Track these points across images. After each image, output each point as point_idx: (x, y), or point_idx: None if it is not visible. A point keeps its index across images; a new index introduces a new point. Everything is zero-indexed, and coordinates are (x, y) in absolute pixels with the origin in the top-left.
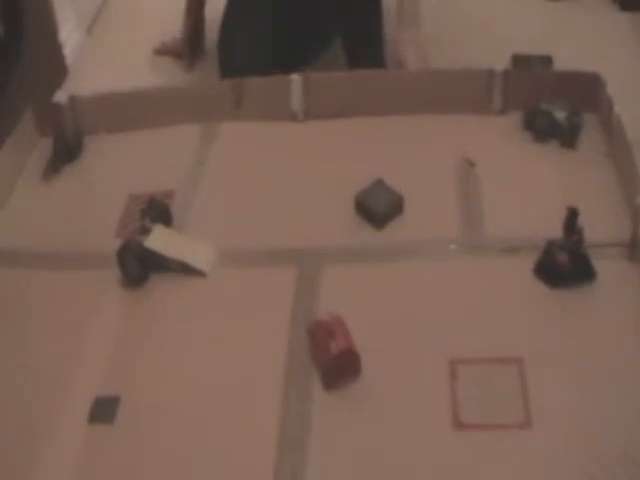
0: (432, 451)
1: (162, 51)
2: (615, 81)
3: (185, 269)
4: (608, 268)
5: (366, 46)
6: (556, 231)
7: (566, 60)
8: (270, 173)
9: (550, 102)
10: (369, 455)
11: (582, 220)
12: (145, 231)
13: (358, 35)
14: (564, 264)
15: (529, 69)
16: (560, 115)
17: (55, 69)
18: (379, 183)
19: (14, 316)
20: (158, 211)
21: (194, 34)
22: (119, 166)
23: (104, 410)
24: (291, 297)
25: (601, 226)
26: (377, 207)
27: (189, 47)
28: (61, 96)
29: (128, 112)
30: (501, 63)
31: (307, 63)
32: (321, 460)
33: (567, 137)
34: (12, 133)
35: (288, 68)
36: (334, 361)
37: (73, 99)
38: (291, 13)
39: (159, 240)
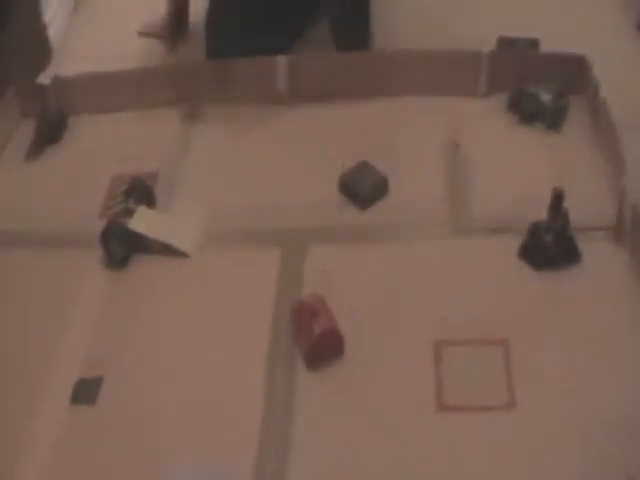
0: (415, 433)
1: (146, 32)
2: (602, 64)
3: (168, 250)
4: (593, 250)
5: (352, 26)
6: (541, 213)
7: (553, 44)
8: (254, 154)
9: (536, 84)
10: (352, 436)
11: (567, 202)
12: (128, 212)
13: (345, 15)
14: (549, 246)
15: (515, 51)
16: (546, 97)
17: (39, 50)
18: (364, 164)
19: None
20: (141, 192)
21: (177, 15)
22: (103, 147)
23: (86, 391)
24: (275, 278)
25: (586, 208)
26: (362, 188)
27: (172, 28)
28: (45, 77)
29: (112, 93)
30: (487, 46)
31: (293, 43)
32: (304, 440)
33: (553, 119)
34: None
35: (273, 49)
36: (317, 342)
37: (57, 80)
38: None
39: (142, 221)
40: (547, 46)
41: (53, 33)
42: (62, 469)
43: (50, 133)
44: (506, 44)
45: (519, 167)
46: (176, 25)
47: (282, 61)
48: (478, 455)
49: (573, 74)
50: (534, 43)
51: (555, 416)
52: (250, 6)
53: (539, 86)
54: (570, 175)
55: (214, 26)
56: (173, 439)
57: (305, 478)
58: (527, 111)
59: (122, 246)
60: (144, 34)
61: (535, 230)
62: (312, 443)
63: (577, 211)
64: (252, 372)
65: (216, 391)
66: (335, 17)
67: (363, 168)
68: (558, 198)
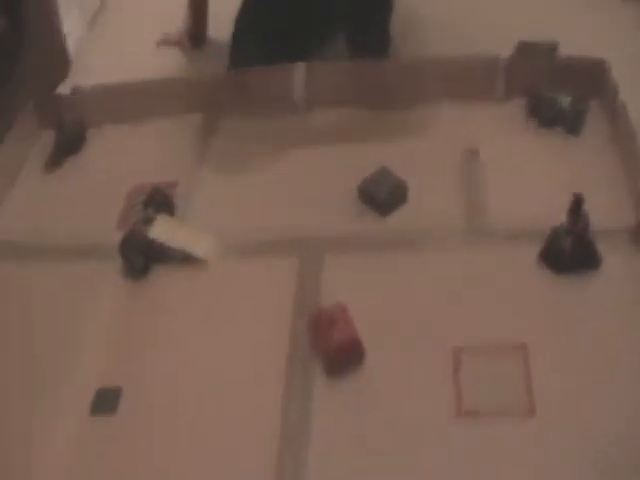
0: (435, 439)
1: (165, 42)
2: (620, 68)
3: (187, 259)
4: (613, 254)
5: (370, 44)
6: (561, 218)
7: (572, 48)
8: (273, 162)
9: (554, 89)
10: (371, 443)
11: (587, 206)
12: (148, 221)
13: (363, 33)
14: (569, 250)
15: (534, 55)
16: (565, 101)
17: (58, 61)
18: (383, 171)
19: (17, 308)
20: (160, 201)
21: (196, 26)
22: (122, 157)
23: (106, 401)
24: (294, 285)
25: (606, 212)
26: (381, 195)
27: (191, 39)
28: (64, 88)
29: (130, 103)
30: (507, 50)
31: (311, 56)
32: (323, 448)
33: (572, 123)
34: (14, 126)
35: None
36: (336, 350)
37: (75, 91)
38: (300, 8)
39: (162, 230)
40: (567, 51)
41: (71, 45)
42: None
43: (69, 144)
44: (525, 49)
45: (538, 172)
46: (194, 36)
47: (299, 68)
48: (497, 461)
49: (592, 78)
50: (554, 47)
51: (572, 424)
52: (275, 22)
53: (557, 90)
54: (590, 179)
55: (239, 43)
56: (191, 448)
57: None
58: (545, 116)
59: (141, 255)
60: (162, 44)
61: (555, 235)
62: (331, 450)
63: (597, 215)
64: (271, 380)
65: (234, 400)
66: (352, 31)
67: (382, 175)
68: (578, 203)
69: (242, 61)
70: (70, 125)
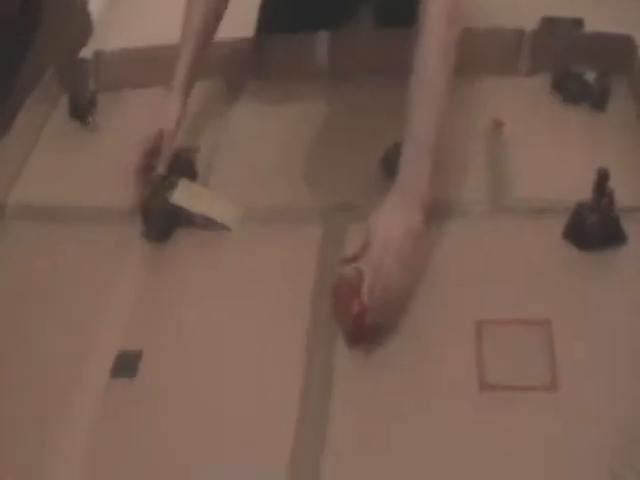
0: (457, 412)
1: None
2: None
3: (210, 224)
4: (639, 231)
5: (399, 18)
6: (586, 194)
7: (596, 26)
8: (295, 130)
9: (580, 64)
10: (392, 416)
11: (612, 182)
12: (170, 186)
13: (391, 7)
14: (594, 226)
15: (559, 29)
16: (590, 77)
17: (79, 25)
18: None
19: (38, 270)
20: (183, 166)
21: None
22: (143, 122)
23: (126, 364)
24: (316, 254)
25: (631, 189)
26: None
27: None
28: (86, 52)
29: (153, 68)
30: (529, 25)
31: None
32: (344, 421)
33: (597, 99)
34: (35, 90)
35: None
36: (356, 320)
37: (98, 54)
38: None
39: (184, 195)
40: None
41: (93, 8)
42: (100, 444)
43: (81, 109)
44: (550, 24)
45: (563, 147)
46: None
47: (322, 36)
48: (519, 435)
49: (618, 54)
50: (579, 23)
51: (595, 399)
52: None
53: (583, 66)
54: (615, 155)
55: (266, 12)
56: (210, 412)
57: (343, 455)
58: (571, 91)
59: (163, 220)
60: None
61: (579, 211)
62: (351, 423)
63: (622, 192)
64: (292, 349)
65: (254, 367)
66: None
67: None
68: (603, 178)
69: (268, 29)
70: (90, 88)
